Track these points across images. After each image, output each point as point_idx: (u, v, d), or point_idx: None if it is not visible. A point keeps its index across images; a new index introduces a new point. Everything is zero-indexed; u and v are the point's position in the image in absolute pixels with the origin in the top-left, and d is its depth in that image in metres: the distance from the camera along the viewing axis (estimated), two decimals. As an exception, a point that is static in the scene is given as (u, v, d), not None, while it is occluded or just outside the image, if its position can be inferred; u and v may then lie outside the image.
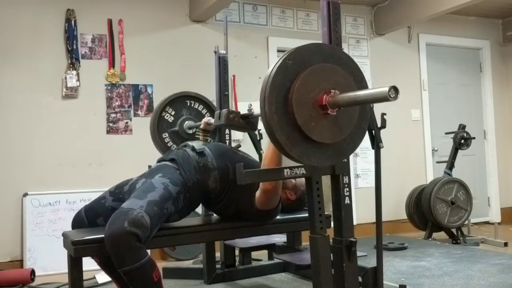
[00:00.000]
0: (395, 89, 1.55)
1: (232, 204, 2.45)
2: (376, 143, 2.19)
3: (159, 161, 2.57)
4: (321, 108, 1.77)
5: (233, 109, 4.56)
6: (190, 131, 3.26)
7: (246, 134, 3.68)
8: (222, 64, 3.33)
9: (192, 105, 3.38)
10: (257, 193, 2.35)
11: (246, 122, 2.44)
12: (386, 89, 1.55)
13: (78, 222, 2.41)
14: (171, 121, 3.29)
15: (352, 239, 2.07)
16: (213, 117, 2.76)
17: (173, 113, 3.31)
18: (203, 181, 2.37)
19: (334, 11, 2.06)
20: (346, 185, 2.13)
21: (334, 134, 1.81)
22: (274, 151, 2.15)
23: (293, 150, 1.75)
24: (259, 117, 2.39)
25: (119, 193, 2.42)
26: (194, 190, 2.36)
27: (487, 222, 6.03)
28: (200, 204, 2.57)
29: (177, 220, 2.36)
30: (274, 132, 1.73)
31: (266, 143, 2.19)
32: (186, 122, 3.28)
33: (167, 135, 3.27)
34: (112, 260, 2.03)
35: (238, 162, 2.41)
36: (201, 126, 3.02)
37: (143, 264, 1.99)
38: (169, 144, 3.26)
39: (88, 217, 2.40)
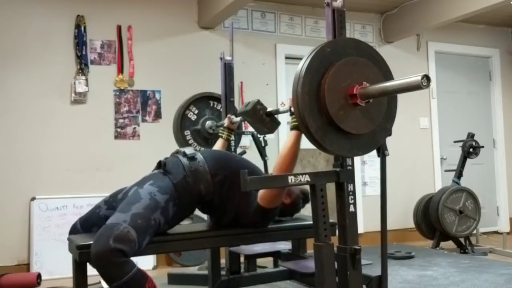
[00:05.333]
0: (427, 77, 1.58)
1: (232, 211, 2.40)
2: (382, 151, 2.18)
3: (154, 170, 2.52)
4: (350, 97, 1.83)
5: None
6: (211, 131, 3.38)
7: (252, 141, 3.68)
8: (228, 70, 3.35)
9: (215, 106, 3.50)
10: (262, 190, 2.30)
11: (270, 119, 2.47)
12: (419, 77, 1.60)
13: (74, 234, 2.40)
14: (193, 119, 3.46)
15: (356, 247, 2.05)
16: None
17: (196, 112, 3.47)
18: (194, 186, 2.33)
19: (339, 19, 2.06)
20: (351, 193, 2.12)
21: (361, 125, 1.87)
22: (295, 141, 2.17)
23: (318, 134, 1.80)
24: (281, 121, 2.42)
25: (113, 201, 2.39)
26: (185, 195, 2.31)
27: (495, 232, 5.97)
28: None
29: (167, 230, 2.29)
30: (304, 115, 1.78)
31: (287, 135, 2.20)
32: (208, 121, 3.42)
33: (189, 133, 3.44)
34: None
35: (236, 165, 2.40)
36: (225, 124, 3.05)
37: (132, 276, 1.97)
38: (190, 142, 3.41)
39: (83, 228, 2.40)
